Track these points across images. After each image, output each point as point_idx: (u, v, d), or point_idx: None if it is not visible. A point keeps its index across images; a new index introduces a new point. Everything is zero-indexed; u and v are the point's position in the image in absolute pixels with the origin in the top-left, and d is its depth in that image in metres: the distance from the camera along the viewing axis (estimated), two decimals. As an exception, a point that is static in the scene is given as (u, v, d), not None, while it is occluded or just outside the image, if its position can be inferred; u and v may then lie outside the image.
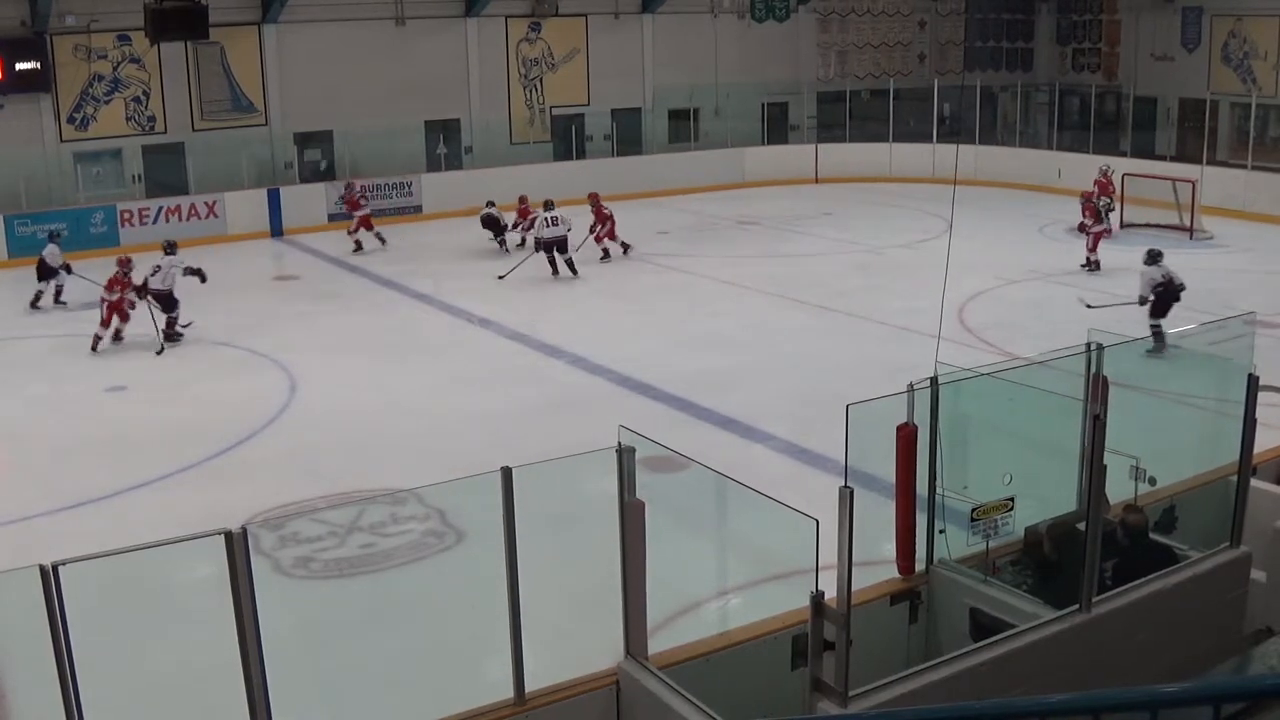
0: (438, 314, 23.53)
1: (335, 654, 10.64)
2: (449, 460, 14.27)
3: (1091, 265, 26.59)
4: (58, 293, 24.65)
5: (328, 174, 34.26)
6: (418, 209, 34.00)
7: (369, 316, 23.46)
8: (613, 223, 28.20)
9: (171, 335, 21.58)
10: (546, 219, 26.22)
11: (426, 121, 35.96)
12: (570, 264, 26.09)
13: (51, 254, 24.63)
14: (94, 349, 21.04)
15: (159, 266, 21.74)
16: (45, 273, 24.61)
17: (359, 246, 29.89)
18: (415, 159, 35.48)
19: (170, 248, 22.64)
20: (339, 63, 33.95)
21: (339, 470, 15.05)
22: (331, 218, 32.64)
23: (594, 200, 28.23)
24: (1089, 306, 20.48)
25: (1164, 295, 19.56)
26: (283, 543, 12.81)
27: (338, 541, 13.05)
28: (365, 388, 18.68)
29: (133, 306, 21.48)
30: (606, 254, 28.17)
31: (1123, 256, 27.60)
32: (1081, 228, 27.60)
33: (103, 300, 21.44)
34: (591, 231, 27.98)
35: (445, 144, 36.36)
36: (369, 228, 29.99)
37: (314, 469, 15.13)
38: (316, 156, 34.66)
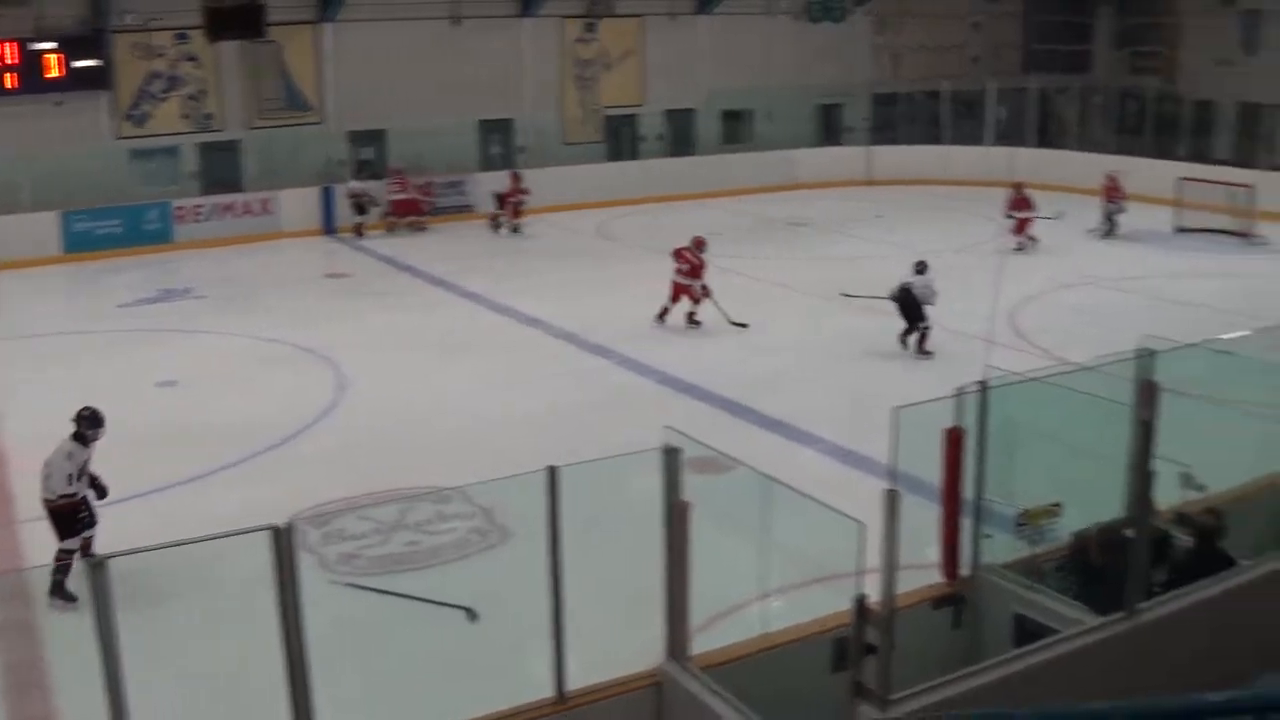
0: (488, 313, 23.58)
1: (378, 650, 10.67)
2: (495, 459, 14.25)
3: (1023, 246, 28.18)
4: None
5: (380, 172, 34.32)
6: (469, 207, 34.05)
7: (419, 315, 23.55)
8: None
9: (61, 587, 11.18)
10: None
11: (480, 121, 36.05)
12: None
13: None
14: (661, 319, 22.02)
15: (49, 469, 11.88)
16: None
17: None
18: (468, 158, 35.56)
19: (91, 422, 12.00)
20: (394, 61, 34.04)
21: (386, 467, 15.08)
22: (386, 216, 32.80)
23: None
24: (845, 295, 22.42)
25: (901, 304, 20.22)
26: (328, 539, 12.86)
27: (383, 538, 13.09)
28: (413, 386, 18.74)
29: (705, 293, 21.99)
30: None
31: (1180, 262, 27.49)
32: (1008, 215, 28.63)
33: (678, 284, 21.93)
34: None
35: (499, 143, 36.44)
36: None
37: (361, 466, 15.17)
38: (370, 155, 34.77)
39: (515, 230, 32.16)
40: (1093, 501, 8.94)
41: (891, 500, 6.68)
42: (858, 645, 6.82)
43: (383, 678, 10.11)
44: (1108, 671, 7.61)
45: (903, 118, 41.75)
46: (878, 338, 20.88)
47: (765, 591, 10.90)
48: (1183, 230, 30.76)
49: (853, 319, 22.29)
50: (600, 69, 38.23)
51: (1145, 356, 8.76)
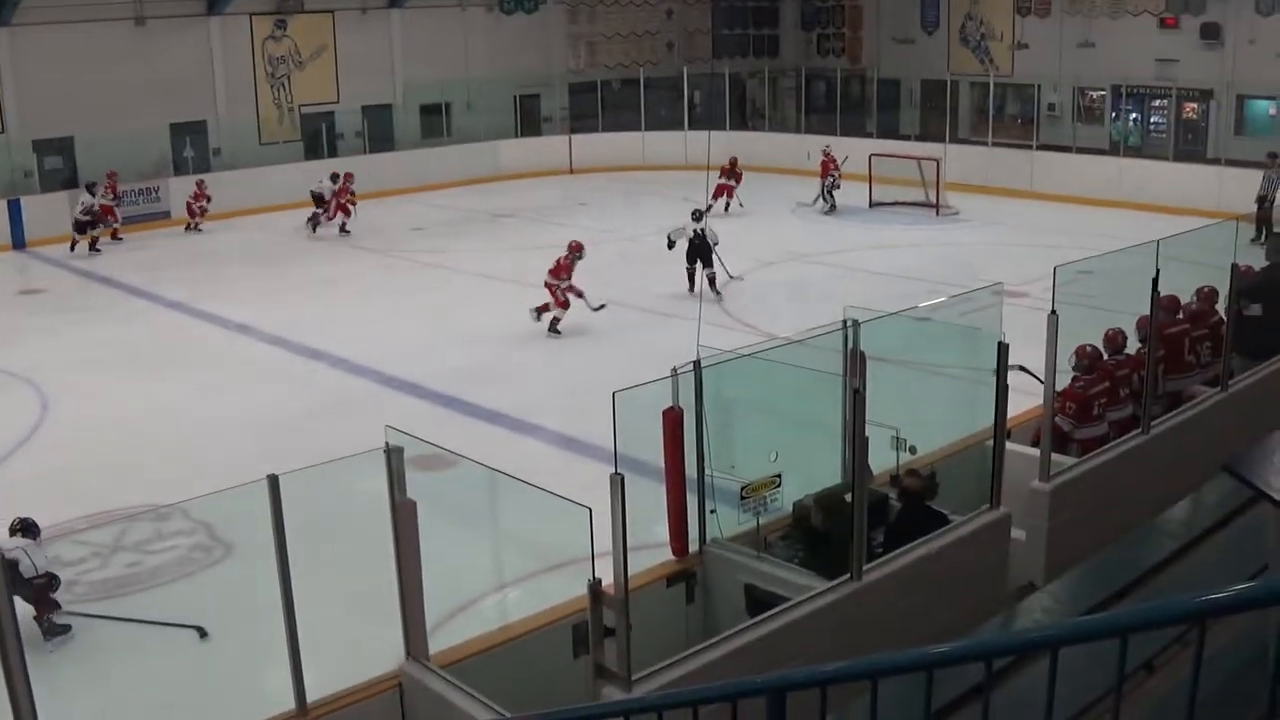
0: (194, 321, 22.94)
1: (107, 679, 10.32)
2: (214, 472, 13.88)
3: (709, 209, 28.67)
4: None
5: (71, 182, 32.93)
6: (166, 214, 33.02)
7: (122, 328, 22.74)
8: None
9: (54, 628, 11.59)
10: None
11: (172, 124, 34.90)
12: None
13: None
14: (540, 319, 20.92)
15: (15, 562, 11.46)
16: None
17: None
18: (162, 163, 34.45)
19: (26, 529, 12.01)
20: (78, 66, 32.67)
21: (99, 489, 14.53)
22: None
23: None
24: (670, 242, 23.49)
25: (693, 247, 23.05)
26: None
27: (101, 562, 12.65)
28: (122, 401, 18.09)
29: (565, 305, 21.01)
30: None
31: (877, 236, 28.48)
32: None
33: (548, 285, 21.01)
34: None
35: (192, 147, 35.39)
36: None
37: (72, 489, 14.58)
38: (58, 164, 33.35)
39: (343, 230, 31.15)
40: (812, 470, 9.20)
41: (616, 484, 6.76)
42: (596, 629, 6.89)
43: (115, 706, 9.78)
44: (837, 633, 7.86)
45: (601, 106, 42.18)
46: (589, 325, 21.09)
47: (502, 583, 10.96)
48: (877, 204, 31.91)
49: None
50: (293, 66, 37.53)
51: (850, 327, 9.06)
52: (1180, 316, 12.61)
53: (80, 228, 29.80)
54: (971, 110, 40.34)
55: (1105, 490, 10.10)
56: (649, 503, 8.29)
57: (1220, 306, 12.71)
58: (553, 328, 20.84)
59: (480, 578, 10.85)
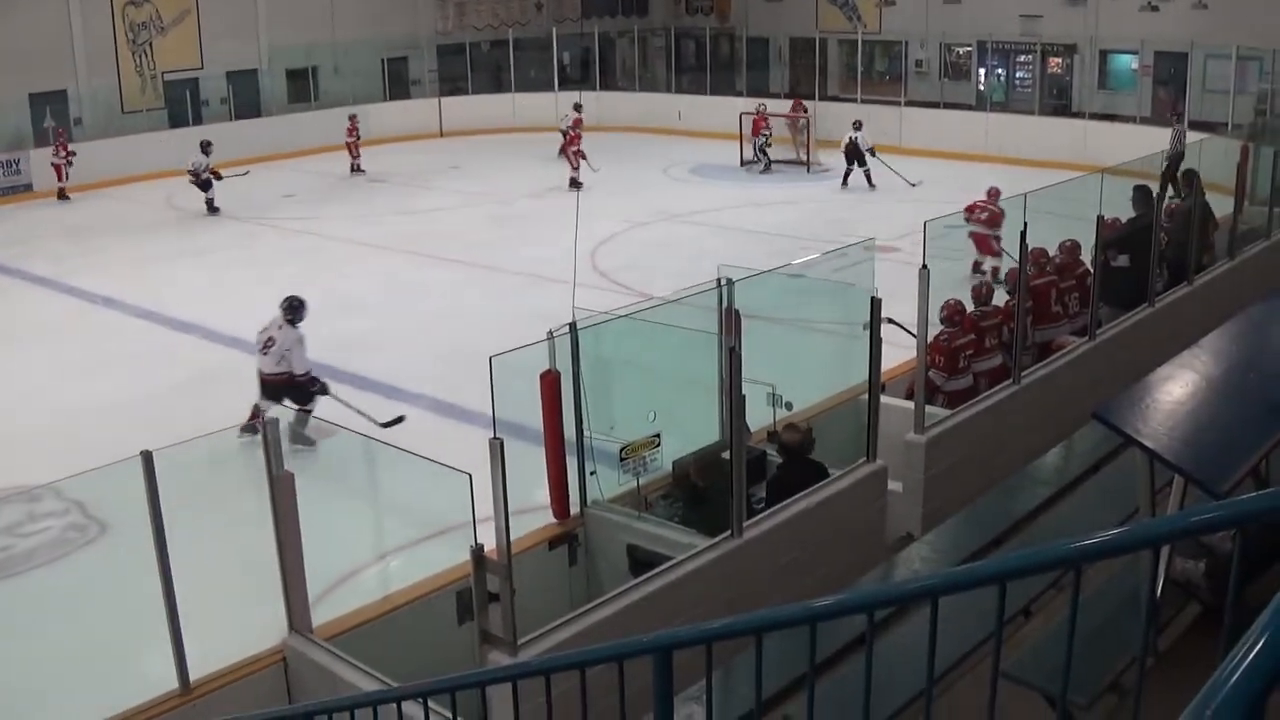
0: (60, 297, 22.41)
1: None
2: (88, 451, 13.49)
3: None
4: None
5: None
6: (28, 187, 32.19)
7: (-17, 305, 22.18)
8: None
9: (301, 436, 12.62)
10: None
11: (31, 94, 33.96)
12: None
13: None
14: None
15: (271, 341, 14.29)
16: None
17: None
18: (21, 135, 33.56)
19: (305, 308, 15.04)
20: (-72, 37, 31.77)
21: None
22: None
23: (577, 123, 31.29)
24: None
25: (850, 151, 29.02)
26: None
27: (-29, 547, 12.37)
28: (-13, 380, 17.67)
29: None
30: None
31: (749, 194, 28.59)
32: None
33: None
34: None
35: (53, 117, 34.47)
36: None
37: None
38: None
39: (574, 184, 30.02)
40: (691, 429, 9.25)
41: (496, 448, 6.75)
42: (480, 594, 6.88)
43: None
44: (721, 589, 7.92)
45: (471, 68, 41.84)
46: (462, 290, 20.98)
47: (384, 552, 10.88)
48: (748, 163, 32.04)
49: (439, 272, 22.34)
50: (155, 32, 36.68)
51: (725, 285, 9.11)
52: (1048, 269, 12.86)
53: (204, 186, 29.00)
54: (840, 67, 40.60)
55: (979, 440, 10.28)
56: (529, 466, 8.29)
57: (1086, 258, 12.96)
58: (996, 276, 18.69)
59: (362, 548, 10.77)
